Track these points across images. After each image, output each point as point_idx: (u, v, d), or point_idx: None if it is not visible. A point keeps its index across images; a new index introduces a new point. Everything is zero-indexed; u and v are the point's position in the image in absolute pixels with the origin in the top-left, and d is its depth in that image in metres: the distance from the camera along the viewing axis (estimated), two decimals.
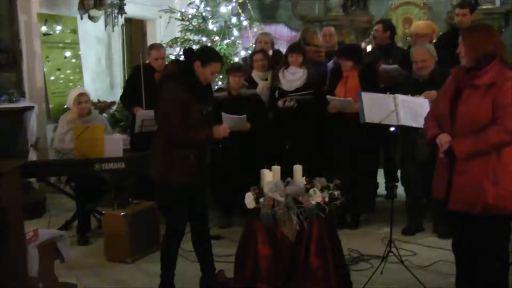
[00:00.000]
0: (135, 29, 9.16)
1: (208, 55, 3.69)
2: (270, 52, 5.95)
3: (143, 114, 5.34)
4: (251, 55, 5.73)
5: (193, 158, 3.62)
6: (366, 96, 4.21)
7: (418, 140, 4.58)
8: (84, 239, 5.03)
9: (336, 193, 3.74)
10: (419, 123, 3.95)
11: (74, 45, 7.32)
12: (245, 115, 5.00)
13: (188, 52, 3.74)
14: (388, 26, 6.08)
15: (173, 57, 7.22)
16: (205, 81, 3.67)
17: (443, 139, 3.18)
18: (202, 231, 3.88)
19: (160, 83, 3.84)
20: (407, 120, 4.09)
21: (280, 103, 5.19)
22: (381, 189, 6.10)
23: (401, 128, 4.19)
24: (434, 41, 5.45)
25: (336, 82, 5.15)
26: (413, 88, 4.65)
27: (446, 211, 3.31)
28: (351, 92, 5.00)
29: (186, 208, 3.71)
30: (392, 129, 4.28)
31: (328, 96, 5.01)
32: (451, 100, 3.19)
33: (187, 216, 3.76)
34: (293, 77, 5.25)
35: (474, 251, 3.23)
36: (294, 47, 5.38)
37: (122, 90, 5.96)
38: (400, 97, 4.12)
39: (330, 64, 5.63)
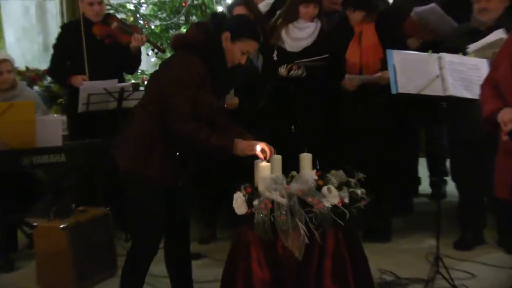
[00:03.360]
0: None
1: (242, 27, 3.75)
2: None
3: (89, 86, 5.35)
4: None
5: (179, 154, 3.69)
6: (399, 57, 4.23)
7: (472, 117, 4.62)
8: (8, 263, 5.04)
9: (360, 191, 3.78)
10: (474, 93, 3.99)
11: None
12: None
13: (217, 17, 3.81)
14: None
15: (131, 7, 7.24)
16: (231, 61, 3.72)
17: (507, 116, 3.22)
18: (181, 244, 3.94)
19: (173, 48, 3.87)
20: (457, 89, 4.12)
21: (282, 70, 5.22)
22: (424, 186, 6.16)
23: (450, 101, 4.22)
24: None
25: (347, 41, 5.18)
26: (469, 40, 4.68)
27: None
28: (369, 54, 5.05)
29: (162, 212, 3.76)
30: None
31: (347, 76, 5.05)
32: None
33: (162, 224, 3.82)
34: (302, 33, 5.29)
35: None
36: None
37: (50, 60, 5.98)
38: (447, 57, 4.15)
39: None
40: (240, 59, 3.73)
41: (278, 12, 5.50)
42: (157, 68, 3.94)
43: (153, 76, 3.96)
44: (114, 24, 5.68)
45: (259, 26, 5.33)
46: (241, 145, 3.66)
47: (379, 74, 4.94)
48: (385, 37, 5.05)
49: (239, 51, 3.69)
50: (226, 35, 3.66)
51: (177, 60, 3.71)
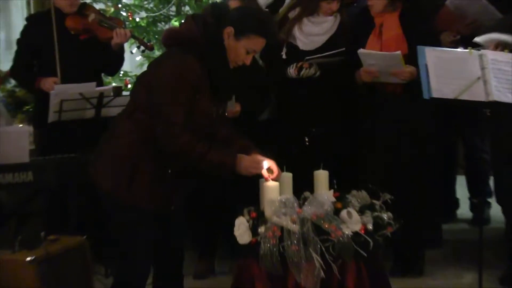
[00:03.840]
0: None
1: (248, 22, 3.77)
2: None
3: (62, 90, 5.37)
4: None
5: (172, 171, 3.73)
6: (432, 54, 4.25)
7: None
8: None
9: (386, 216, 3.80)
10: None
11: None
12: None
13: (218, 9, 3.91)
14: None
15: None
16: (234, 61, 3.75)
17: None
18: (172, 280, 3.97)
19: (164, 45, 3.90)
20: (502, 93, 4.13)
21: (291, 71, 5.25)
22: (464, 209, 6.16)
23: (493, 108, 4.24)
24: None
25: (367, 34, 5.21)
26: None
27: None
28: (390, 48, 5.07)
29: (151, 240, 3.79)
30: None
31: (360, 50, 5.05)
32: None
33: (152, 256, 3.85)
34: (318, 29, 5.34)
35: None
36: None
37: (13, 58, 5.98)
38: (490, 55, 4.16)
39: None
40: (245, 59, 3.75)
41: (288, 0, 5.52)
42: (144, 69, 3.95)
43: (140, 78, 3.96)
44: (92, 16, 5.68)
45: (268, 20, 5.42)
46: (245, 162, 3.68)
47: (399, 51, 4.93)
48: (411, 29, 5.07)
49: (243, 49, 3.71)
50: (229, 31, 3.69)
51: (169, 60, 3.73)
